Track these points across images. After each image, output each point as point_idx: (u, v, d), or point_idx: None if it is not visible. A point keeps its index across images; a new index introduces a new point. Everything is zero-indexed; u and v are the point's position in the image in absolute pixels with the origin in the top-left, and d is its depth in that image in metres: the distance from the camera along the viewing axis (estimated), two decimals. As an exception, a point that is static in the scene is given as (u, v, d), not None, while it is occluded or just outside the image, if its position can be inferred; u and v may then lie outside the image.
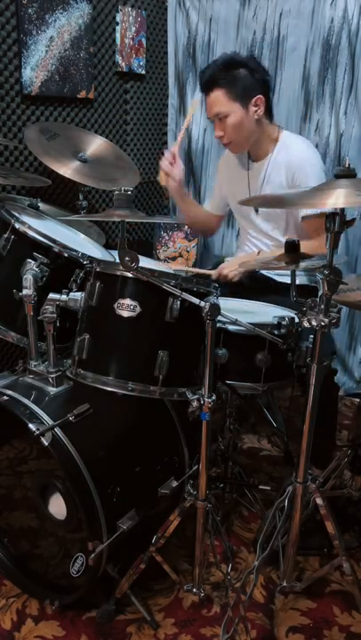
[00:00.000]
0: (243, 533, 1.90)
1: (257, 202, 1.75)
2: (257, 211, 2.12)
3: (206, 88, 1.94)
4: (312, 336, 1.34)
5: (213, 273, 2.03)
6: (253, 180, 2.10)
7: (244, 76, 1.91)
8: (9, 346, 2.42)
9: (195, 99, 2.13)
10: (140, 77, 2.82)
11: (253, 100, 1.92)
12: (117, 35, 2.62)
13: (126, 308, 1.35)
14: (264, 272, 2.13)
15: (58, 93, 2.40)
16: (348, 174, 1.20)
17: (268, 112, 2.01)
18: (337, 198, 1.14)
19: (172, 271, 1.87)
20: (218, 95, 1.91)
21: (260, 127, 2.00)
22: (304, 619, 1.59)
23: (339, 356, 2.82)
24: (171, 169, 2.13)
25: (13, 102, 2.25)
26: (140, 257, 1.31)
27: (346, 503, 1.86)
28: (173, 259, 2.68)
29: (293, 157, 1.98)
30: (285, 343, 1.42)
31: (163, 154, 2.16)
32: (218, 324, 1.38)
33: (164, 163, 2.13)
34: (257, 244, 2.18)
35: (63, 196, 2.53)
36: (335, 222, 1.19)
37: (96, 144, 2.37)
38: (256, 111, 1.94)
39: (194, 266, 2.70)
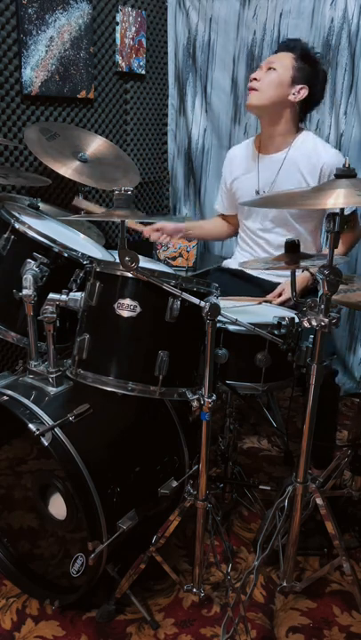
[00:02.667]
0: (243, 533, 1.90)
1: (257, 202, 1.75)
2: (257, 192, 2.13)
3: (284, 47, 2.04)
4: (312, 336, 1.34)
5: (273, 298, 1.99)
6: (264, 173, 2.09)
7: (316, 71, 2.01)
8: (9, 346, 2.42)
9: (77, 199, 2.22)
10: (140, 77, 2.82)
11: (300, 85, 1.98)
12: (117, 35, 2.62)
13: (126, 307, 1.35)
14: (257, 274, 2.14)
15: (58, 93, 2.40)
16: (349, 174, 1.20)
17: (302, 110, 2.06)
18: (337, 198, 1.14)
19: (172, 271, 1.87)
20: (286, 55, 2.00)
21: (285, 113, 2.02)
22: (304, 619, 1.59)
23: (339, 356, 2.82)
24: (166, 233, 2.16)
25: (13, 102, 2.25)
26: (140, 257, 1.31)
27: (346, 503, 1.86)
28: (173, 259, 2.68)
29: (325, 159, 2.00)
30: (285, 343, 1.42)
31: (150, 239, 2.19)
32: (218, 324, 1.38)
33: (161, 238, 2.16)
34: (261, 243, 2.17)
35: (63, 196, 2.53)
36: (335, 222, 1.19)
37: (96, 144, 2.37)
38: (294, 93, 1.98)
39: (194, 267, 2.69)
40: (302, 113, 2.06)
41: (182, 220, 2.52)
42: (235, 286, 2.13)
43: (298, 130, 2.08)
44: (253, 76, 2.01)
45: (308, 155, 2.01)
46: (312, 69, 2.00)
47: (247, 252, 2.23)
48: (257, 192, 2.11)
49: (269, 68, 1.98)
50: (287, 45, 2.04)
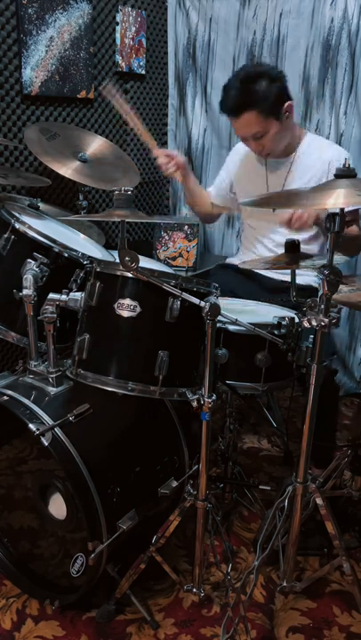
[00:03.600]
0: (243, 533, 1.90)
1: (257, 202, 1.74)
2: (274, 210, 2.10)
3: (235, 112, 1.89)
4: (312, 336, 1.34)
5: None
6: (273, 178, 2.09)
7: (269, 89, 1.85)
8: (9, 346, 2.42)
9: (107, 86, 2.06)
10: (140, 77, 2.82)
11: (284, 107, 1.90)
12: (117, 35, 2.62)
13: (126, 307, 1.35)
14: (263, 272, 2.13)
15: (58, 93, 2.40)
16: (349, 174, 1.20)
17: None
18: (337, 198, 1.14)
19: (172, 271, 1.87)
20: (251, 117, 1.87)
21: (292, 128, 2.01)
22: (304, 619, 1.59)
23: (339, 356, 2.82)
24: (176, 162, 2.07)
25: (13, 102, 2.25)
26: (140, 257, 1.31)
27: (346, 503, 1.86)
28: (173, 259, 2.68)
29: (331, 155, 1.99)
30: (285, 343, 1.42)
31: (157, 162, 2.10)
32: (218, 324, 1.38)
33: (169, 165, 2.07)
34: (266, 242, 2.17)
35: (63, 196, 2.53)
36: (335, 222, 1.19)
37: (96, 144, 2.37)
38: (287, 117, 1.94)
39: (194, 267, 2.69)
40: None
41: (183, 220, 2.52)
42: (238, 284, 2.13)
43: (301, 130, 2.08)
44: (256, 150, 1.98)
45: (316, 155, 2.02)
46: (271, 84, 1.86)
47: (250, 250, 2.23)
48: None
49: (258, 137, 1.92)
50: (234, 108, 1.88)
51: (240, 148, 2.23)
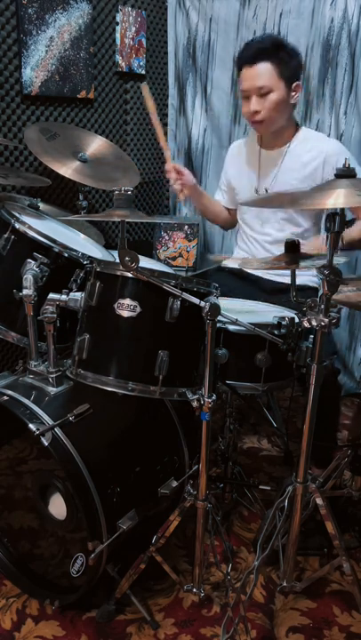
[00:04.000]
0: (243, 533, 1.90)
1: (256, 202, 1.75)
2: (257, 191, 2.11)
3: (253, 59, 1.89)
4: (312, 336, 1.34)
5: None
6: (265, 168, 2.09)
7: (291, 59, 1.90)
8: (9, 346, 2.42)
9: (144, 85, 2.08)
10: (140, 77, 2.82)
11: (294, 84, 1.92)
12: (117, 35, 2.62)
13: (126, 307, 1.35)
14: (260, 274, 2.14)
15: (58, 93, 2.40)
16: (349, 174, 1.20)
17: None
18: (337, 198, 1.14)
19: (172, 271, 1.87)
20: (266, 68, 1.88)
21: (289, 114, 2.00)
22: (304, 619, 1.59)
23: (339, 356, 2.82)
24: (184, 181, 2.11)
25: (13, 102, 2.25)
26: (140, 257, 1.31)
27: (346, 503, 1.86)
28: (173, 259, 2.68)
29: (327, 147, 1.99)
30: (285, 343, 1.42)
31: (166, 176, 2.13)
32: (218, 324, 1.38)
33: (176, 182, 2.10)
34: (261, 238, 2.17)
35: (63, 196, 2.53)
36: (335, 222, 1.19)
37: (96, 144, 2.37)
38: (294, 96, 1.94)
39: (194, 267, 2.69)
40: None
41: (183, 220, 2.52)
42: (234, 286, 2.13)
43: (297, 125, 2.07)
44: (253, 108, 1.93)
45: (309, 148, 2.01)
46: (294, 61, 1.92)
47: (245, 250, 2.23)
48: (256, 190, 2.11)
49: (263, 94, 1.90)
50: (257, 53, 1.89)
51: (234, 147, 2.26)
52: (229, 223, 2.39)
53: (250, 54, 1.91)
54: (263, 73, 1.89)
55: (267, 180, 2.09)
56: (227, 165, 2.28)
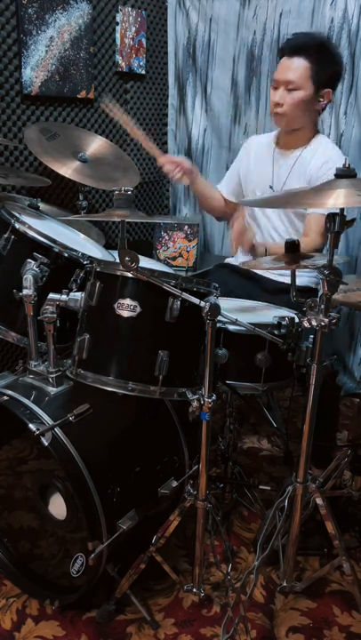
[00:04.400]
0: (243, 533, 1.90)
1: (256, 202, 1.75)
2: (271, 187, 2.09)
3: (292, 51, 1.87)
4: (312, 336, 1.34)
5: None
6: (278, 168, 2.07)
7: (330, 64, 1.88)
8: (9, 346, 2.42)
9: (105, 102, 2.09)
10: (140, 77, 2.82)
11: (324, 91, 1.90)
12: (117, 35, 2.62)
13: (126, 307, 1.35)
14: (262, 272, 2.13)
15: (58, 93, 2.40)
16: (349, 174, 1.20)
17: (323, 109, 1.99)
18: (337, 198, 1.14)
19: (172, 271, 1.86)
20: (301, 64, 1.86)
21: (312, 119, 1.98)
22: (304, 619, 1.59)
23: (339, 356, 2.82)
24: (182, 168, 2.08)
25: (13, 102, 2.25)
26: (140, 257, 1.31)
27: (346, 503, 1.86)
28: (173, 259, 2.68)
29: (331, 157, 1.96)
30: (285, 343, 1.42)
31: (163, 171, 2.11)
32: (218, 324, 1.38)
33: (175, 172, 2.08)
34: (265, 236, 2.16)
35: (63, 196, 2.53)
36: (335, 222, 1.19)
37: (96, 144, 2.37)
38: (320, 102, 1.92)
39: (194, 267, 2.69)
40: (324, 109, 2.00)
41: (183, 220, 2.52)
42: (236, 283, 2.13)
43: (317, 133, 2.04)
44: (275, 100, 1.91)
45: (320, 160, 1.98)
46: (333, 68, 1.89)
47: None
48: (270, 187, 2.10)
49: (290, 89, 1.87)
50: (298, 47, 1.87)
51: (252, 142, 2.22)
52: (223, 213, 2.35)
53: (291, 45, 1.90)
54: (297, 68, 1.87)
55: (279, 182, 2.06)
56: (243, 158, 2.23)
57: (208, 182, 2.35)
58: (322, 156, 1.98)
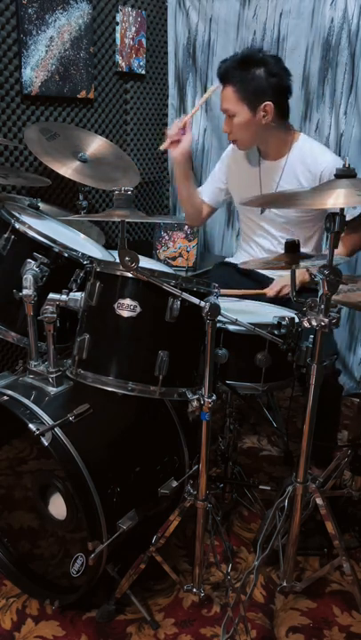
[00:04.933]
0: (243, 533, 1.90)
1: (257, 202, 1.74)
2: (262, 211, 2.08)
3: (221, 81, 1.90)
4: (312, 336, 1.34)
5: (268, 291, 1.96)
6: (266, 178, 2.06)
7: (258, 78, 1.84)
8: (9, 346, 2.42)
9: (215, 85, 2.02)
10: (140, 77, 2.82)
11: (263, 105, 1.86)
12: (117, 35, 2.62)
13: (126, 307, 1.35)
14: (262, 271, 2.13)
15: (58, 93, 2.40)
16: (349, 174, 1.20)
17: (282, 116, 1.94)
18: (337, 198, 1.14)
19: (172, 271, 1.86)
20: (228, 92, 1.88)
21: (269, 131, 1.95)
22: (304, 619, 1.59)
23: (339, 356, 2.82)
24: (180, 136, 2.07)
25: (13, 102, 2.25)
26: (140, 257, 1.31)
27: (346, 503, 1.86)
28: (173, 259, 2.68)
29: (323, 165, 1.94)
30: (285, 343, 1.42)
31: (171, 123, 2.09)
32: (218, 324, 1.38)
33: (174, 130, 2.07)
34: (263, 243, 2.16)
35: (63, 196, 2.53)
36: (335, 222, 1.19)
37: (96, 144, 2.37)
38: (264, 116, 1.88)
39: (194, 267, 2.70)
40: (281, 116, 1.94)
41: (183, 220, 2.51)
42: (237, 281, 2.13)
43: (293, 134, 2.02)
44: (223, 129, 1.97)
45: (306, 162, 1.98)
46: (265, 78, 1.83)
47: (247, 252, 2.23)
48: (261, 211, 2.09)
49: (230, 116, 1.91)
50: (222, 76, 1.88)
51: (234, 151, 2.20)
52: (198, 220, 2.33)
53: (219, 74, 1.91)
54: (226, 96, 1.90)
55: (270, 190, 2.05)
56: (223, 166, 2.22)
57: (192, 178, 2.29)
58: (315, 167, 1.97)
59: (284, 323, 1.46)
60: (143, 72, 2.81)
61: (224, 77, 1.89)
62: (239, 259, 2.22)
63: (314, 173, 1.96)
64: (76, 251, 1.62)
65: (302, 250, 2.02)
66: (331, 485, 1.74)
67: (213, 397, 1.35)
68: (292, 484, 1.43)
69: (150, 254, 2.66)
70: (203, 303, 1.30)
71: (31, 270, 1.56)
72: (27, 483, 1.62)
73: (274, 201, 1.54)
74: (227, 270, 2.25)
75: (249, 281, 2.15)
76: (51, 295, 1.50)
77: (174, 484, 1.55)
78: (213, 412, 1.39)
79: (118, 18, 2.60)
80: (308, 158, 1.98)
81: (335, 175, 1.22)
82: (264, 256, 2.13)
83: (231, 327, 1.51)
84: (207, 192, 2.28)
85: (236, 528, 1.92)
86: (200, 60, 2.83)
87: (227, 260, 2.34)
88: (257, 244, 2.18)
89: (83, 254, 1.63)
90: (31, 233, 1.59)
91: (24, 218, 1.65)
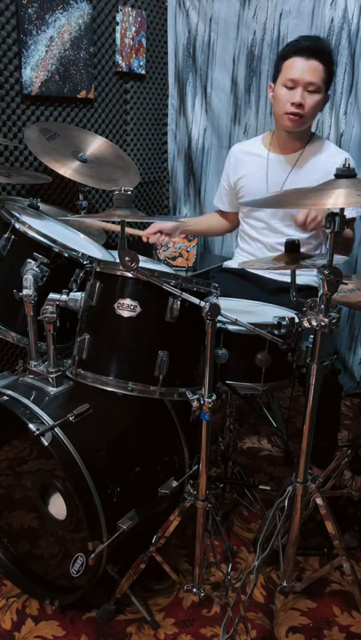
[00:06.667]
0: (243, 533, 1.90)
1: (257, 202, 1.74)
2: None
3: (311, 53, 1.87)
4: (312, 336, 1.34)
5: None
6: (274, 173, 2.06)
7: (332, 70, 1.94)
8: (9, 346, 2.42)
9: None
10: (140, 77, 2.82)
11: (328, 92, 1.95)
12: (117, 35, 2.62)
13: (126, 307, 1.35)
14: (262, 273, 2.13)
15: (58, 93, 2.40)
16: (349, 174, 1.20)
17: None
18: (337, 198, 1.14)
19: (172, 271, 1.86)
20: (318, 67, 1.87)
21: (311, 123, 2.01)
22: (304, 619, 1.59)
23: (339, 357, 2.82)
24: (167, 232, 2.14)
25: (13, 102, 2.25)
26: (140, 257, 1.31)
27: (346, 503, 1.86)
28: (173, 259, 2.68)
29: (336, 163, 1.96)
30: (285, 343, 1.42)
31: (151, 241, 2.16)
32: (218, 324, 1.38)
33: (163, 239, 2.15)
34: (267, 240, 2.16)
35: (63, 196, 2.53)
36: (335, 222, 1.19)
37: (96, 144, 2.37)
38: (325, 103, 1.96)
39: (194, 267, 2.70)
40: None
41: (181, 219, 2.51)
42: (237, 286, 2.12)
43: (312, 134, 2.06)
44: (297, 100, 1.88)
45: (322, 159, 1.99)
46: (333, 72, 1.95)
47: (247, 252, 2.23)
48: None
49: (310, 91, 1.88)
50: (315, 50, 1.87)
51: (238, 150, 2.20)
52: (230, 229, 2.38)
53: (308, 46, 1.88)
54: (315, 70, 1.88)
55: (275, 186, 2.05)
56: (230, 169, 2.21)
57: (197, 218, 2.41)
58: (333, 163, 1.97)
59: (284, 323, 1.46)
60: (143, 72, 2.81)
61: (316, 52, 1.87)
62: (239, 261, 2.22)
63: (328, 170, 1.95)
64: (76, 251, 1.62)
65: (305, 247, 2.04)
66: (331, 485, 1.74)
67: (213, 397, 1.35)
68: (292, 484, 1.43)
69: (150, 254, 2.65)
70: (203, 303, 1.29)
71: (31, 270, 1.56)
72: (27, 483, 1.62)
73: (274, 201, 1.54)
74: (227, 275, 2.24)
75: (251, 284, 2.14)
76: (51, 295, 1.50)
77: (174, 484, 1.55)
78: (213, 412, 1.39)
79: (118, 18, 2.60)
80: (324, 155, 2.01)
81: (335, 175, 1.22)
82: (268, 255, 2.12)
83: (231, 327, 1.51)
84: (224, 202, 2.28)
85: (236, 528, 1.92)
86: (200, 60, 2.83)
87: (226, 264, 2.33)
88: (260, 242, 2.17)
89: (83, 254, 1.63)
90: (31, 233, 1.59)
91: (24, 218, 1.65)
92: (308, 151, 2.02)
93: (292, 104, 1.90)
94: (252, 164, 2.13)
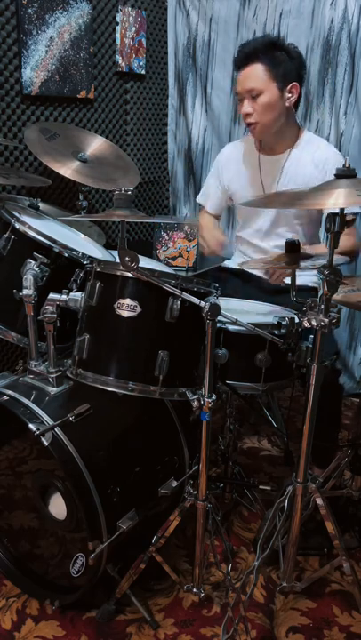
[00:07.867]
0: (243, 533, 1.90)
1: (257, 202, 1.74)
2: None
3: (245, 60, 1.88)
4: (312, 336, 1.34)
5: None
6: (267, 175, 2.06)
7: (285, 59, 1.87)
8: (9, 346, 2.42)
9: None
10: (140, 77, 2.82)
11: (289, 86, 1.89)
12: (117, 35, 2.61)
13: (126, 307, 1.35)
14: (260, 274, 2.13)
15: (58, 93, 2.40)
16: (349, 174, 1.20)
17: (296, 104, 1.97)
18: (337, 198, 1.14)
19: (172, 271, 1.86)
20: (257, 69, 1.86)
21: (287, 117, 1.96)
22: (304, 619, 1.59)
23: (339, 357, 2.82)
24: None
25: (13, 102, 2.25)
26: (140, 257, 1.31)
27: (346, 503, 1.86)
28: (173, 259, 2.68)
29: (329, 157, 1.97)
30: (285, 343, 1.42)
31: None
32: (218, 324, 1.38)
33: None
34: (261, 244, 2.16)
35: (63, 196, 2.53)
36: (335, 222, 1.19)
37: (96, 144, 2.37)
38: (289, 98, 1.90)
39: (194, 267, 2.69)
40: (297, 103, 1.98)
41: (183, 220, 2.51)
42: (235, 286, 2.13)
43: (300, 128, 2.05)
44: (244, 111, 1.91)
45: (313, 154, 1.99)
46: (289, 60, 1.88)
47: (246, 254, 2.23)
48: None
49: (254, 96, 1.88)
50: (248, 55, 1.87)
51: (227, 153, 2.20)
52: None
53: (242, 56, 1.90)
54: (254, 74, 1.87)
55: (270, 187, 2.05)
56: (221, 171, 2.20)
57: (214, 222, 2.37)
58: (319, 156, 1.98)
59: (284, 323, 1.46)
60: (143, 72, 2.81)
61: (252, 56, 1.86)
62: (238, 261, 2.22)
63: (318, 165, 1.97)
64: (76, 251, 1.62)
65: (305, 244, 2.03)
66: (331, 485, 1.74)
67: (213, 397, 1.35)
68: (292, 484, 1.43)
69: (150, 254, 2.65)
70: (203, 303, 1.29)
71: (31, 270, 1.56)
72: (27, 483, 1.62)
73: (274, 201, 1.54)
74: (226, 275, 2.24)
75: (249, 285, 2.15)
76: (51, 295, 1.50)
77: (174, 483, 1.55)
78: (213, 412, 1.39)
79: (118, 18, 2.59)
80: (315, 151, 2.00)
81: (335, 175, 1.22)
82: (269, 255, 2.12)
83: (231, 327, 1.51)
84: (211, 204, 2.29)
85: (236, 528, 1.92)
86: (200, 60, 2.83)
87: (224, 263, 2.33)
88: (257, 246, 2.17)
89: (83, 254, 1.63)
90: (31, 233, 1.59)
91: (24, 218, 1.65)
92: (298, 148, 2.02)
93: (244, 115, 1.93)
94: (242, 167, 2.13)
